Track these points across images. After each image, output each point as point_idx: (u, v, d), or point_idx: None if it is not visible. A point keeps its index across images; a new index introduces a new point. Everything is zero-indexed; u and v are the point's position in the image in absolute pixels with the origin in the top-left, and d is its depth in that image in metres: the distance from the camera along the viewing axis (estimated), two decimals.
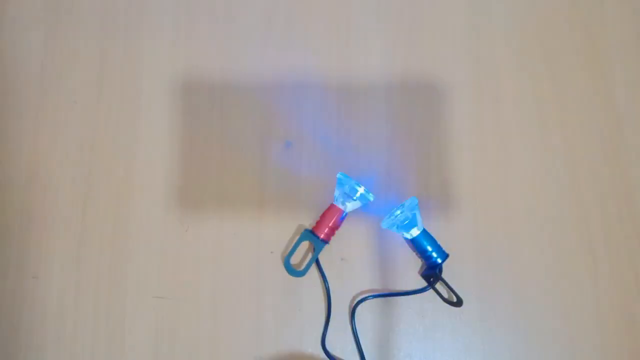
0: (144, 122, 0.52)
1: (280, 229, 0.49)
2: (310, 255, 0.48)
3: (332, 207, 0.46)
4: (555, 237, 0.48)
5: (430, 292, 0.46)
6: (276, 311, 0.47)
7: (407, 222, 0.45)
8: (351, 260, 0.48)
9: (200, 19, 0.54)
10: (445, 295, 0.46)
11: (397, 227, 0.45)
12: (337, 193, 0.46)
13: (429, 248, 0.45)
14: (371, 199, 0.46)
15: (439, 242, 0.46)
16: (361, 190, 0.45)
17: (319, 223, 0.46)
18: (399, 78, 0.53)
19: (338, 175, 0.46)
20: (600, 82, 0.52)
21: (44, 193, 0.50)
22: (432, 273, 0.45)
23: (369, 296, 0.46)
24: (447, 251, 0.46)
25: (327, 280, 0.46)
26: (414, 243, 0.46)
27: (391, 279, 0.47)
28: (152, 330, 0.47)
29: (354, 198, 0.45)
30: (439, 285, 0.46)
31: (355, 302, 0.46)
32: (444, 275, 0.46)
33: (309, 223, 0.49)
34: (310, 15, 0.54)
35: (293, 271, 0.46)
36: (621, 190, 0.49)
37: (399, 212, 0.45)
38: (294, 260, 0.48)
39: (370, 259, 0.48)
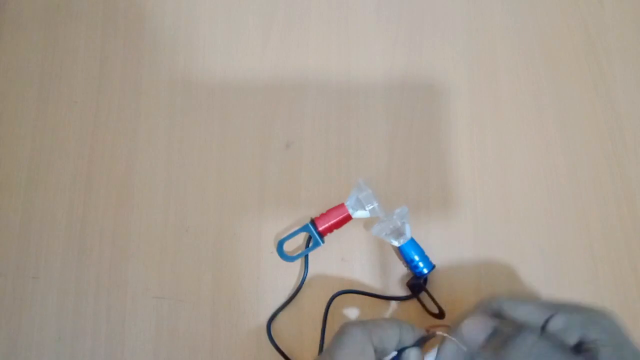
0: (144, 122, 0.52)
1: (281, 229, 0.49)
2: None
3: (342, 206, 0.46)
4: (555, 237, 0.48)
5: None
6: None
7: (396, 230, 0.45)
8: (351, 260, 0.48)
9: (200, 19, 0.55)
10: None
11: (386, 235, 0.45)
12: (351, 197, 0.46)
13: (416, 257, 0.45)
14: (382, 215, 0.46)
15: (426, 253, 0.46)
16: (375, 204, 0.45)
17: (323, 216, 0.46)
18: (399, 78, 0.53)
19: (359, 180, 0.46)
20: (600, 82, 0.52)
21: (44, 193, 0.50)
22: (417, 283, 0.45)
23: (344, 291, 0.46)
24: (445, 252, 0.46)
25: (307, 270, 0.47)
26: (401, 251, 0.46)
27: (392, 281, 0.47)
28: (152, 330, 0.47)
29: (366, 209, 0.45)
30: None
31: (331, 296, 0.46)
32: (442, 277, 0.46)
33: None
34: (310, 15, 0.54)
35: (284, 254, 0.47)
36: (621, 190, 0.49)
37: (388, 219, 0.45)
38: (289, 247, 0.48)
39: (371, 261, 0.48)
